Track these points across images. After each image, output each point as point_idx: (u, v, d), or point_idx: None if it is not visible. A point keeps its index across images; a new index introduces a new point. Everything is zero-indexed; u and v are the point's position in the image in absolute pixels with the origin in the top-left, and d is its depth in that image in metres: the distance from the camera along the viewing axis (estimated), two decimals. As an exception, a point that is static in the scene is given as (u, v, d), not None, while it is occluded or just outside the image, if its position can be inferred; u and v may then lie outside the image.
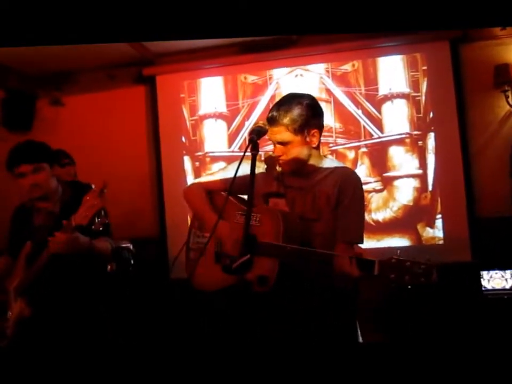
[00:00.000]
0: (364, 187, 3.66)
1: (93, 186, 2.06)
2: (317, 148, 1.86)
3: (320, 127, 1.85)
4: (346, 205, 1.80)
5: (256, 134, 1.69)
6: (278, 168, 1.94)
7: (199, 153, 4.04)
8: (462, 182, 3.60)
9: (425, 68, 3.74)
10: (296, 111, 1.78)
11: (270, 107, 1.89)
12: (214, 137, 3.98)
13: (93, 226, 1.94)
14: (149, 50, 3.95)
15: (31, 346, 2.10)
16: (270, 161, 1.97)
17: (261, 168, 1.96)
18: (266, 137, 1.81)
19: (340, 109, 3.83)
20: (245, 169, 1.70)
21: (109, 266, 2.49)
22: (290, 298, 1.77)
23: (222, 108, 3.99)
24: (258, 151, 1.68)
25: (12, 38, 1.97)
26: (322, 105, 3.72)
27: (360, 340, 1.97)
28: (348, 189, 1.82)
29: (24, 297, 2.14)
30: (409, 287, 1.49)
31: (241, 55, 3.94)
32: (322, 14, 2.20)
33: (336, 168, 1.88)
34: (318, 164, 1.88)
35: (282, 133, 1.78)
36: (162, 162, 4.05)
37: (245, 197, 1.91)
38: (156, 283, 3.82)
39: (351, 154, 3.82)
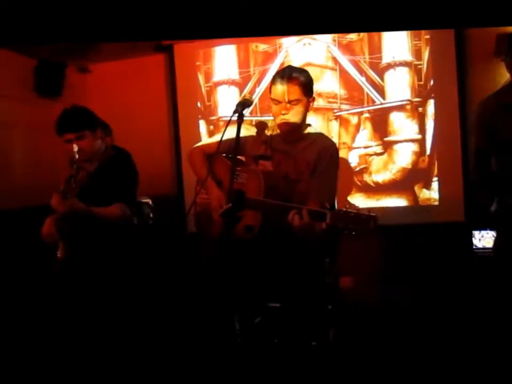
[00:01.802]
0: (365, 150, 3.99)
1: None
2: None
3: (314, 97, 2.19)
4: (321, 170, 2.13)
5: (241, 106, 1.99)
6: (267, 132, 2.25)
7: (213, 118, 4.33)
8: (459, 147, 3.79)
9: (427, 37, 3.88)
10: (307, 77, 2.15)
11: (278, 72, 2.20)
12: (227, 103, 4.25)
13: (67, 195, 2.27)
14: (167, 21, 4.22)
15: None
16: (260, 126, 2.28)
17: (253, 132, 2.28)
18: (278, 97, 2.11)
19: (345, 76, 4.04)
20: (240, 133, 2.02)
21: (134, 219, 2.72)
22: (270, 243, 2.10)
23: (235, 75, 4.25)
24: (242, 120, 1.98)
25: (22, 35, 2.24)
26: (329, 72, 4.00)
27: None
28: (325, 157, 2.14)
29: (64, 242, 2.39)
30: (353, 233, 1.79)
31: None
32: (321, 14, 2.39)
33: (317, 137, 2.19)
34: (303, 131, 2.19)
35: (296, 92, 2.08)
36: (180, 125, 4.36)
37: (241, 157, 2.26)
38: (175, 236, 4.20)
39: (354, 120, 4.05)
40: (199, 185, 2.38)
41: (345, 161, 4.02)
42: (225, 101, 4.27)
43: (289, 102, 2.08)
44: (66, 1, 2.14)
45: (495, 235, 3.72)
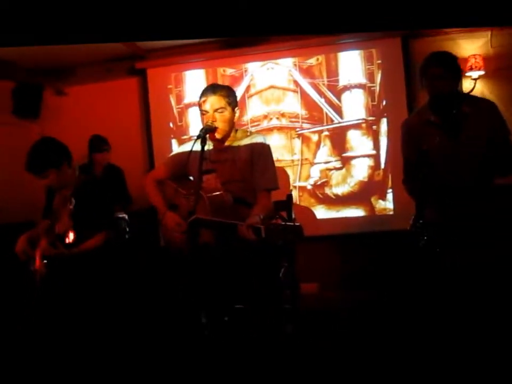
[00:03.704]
0: (326, 165, 4.32)
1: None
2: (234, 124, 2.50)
3: (238, 108, 2.50)
4: (258, 163, 2.41)
5: (205, 131, 2.28)
6: (207, 146, 2.49)
7: (185, 137, 4.60)
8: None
9: (379, 61, 4.25)
10: (229, 90, 2.47)
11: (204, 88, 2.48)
12: (197, 123, 4.53)
13: (66, 239, 2.52)
14: (140, 47, 4.49)
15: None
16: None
17: (209, 146, 2.52)
18: (206, 108, 2.38)
19: (305, 98, 4.38)
20: (185, 148, 2.30)
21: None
22: (226, 253, 2.32)
23: (204, 97, 4.54)
24: (205, 143, 2.26)
25: (12, 38, 2.33)
26: (290, 94, 4.33)
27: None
28: (257, 150, 2.43)
29: (43, 261, 2.54)
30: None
31: (220, 51, 4.47)
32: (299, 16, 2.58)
33: (246, 137, 2.49)
34: (235, 137, 2.49)
35: (221, 101, 2.38)
36: (153, 144, 4.62)
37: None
38: (149, 249, 4.42)
39: (314, 137, 4.39)
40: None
41: (283, 171, 4.36)
42: (196, 122, 4.54)
43: (215, 110, 2.38)
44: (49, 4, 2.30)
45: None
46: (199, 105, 2.47)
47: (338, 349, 2.94)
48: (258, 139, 2.51)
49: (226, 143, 2.49)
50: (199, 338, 2.26)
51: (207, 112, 2.40)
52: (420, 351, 2.56)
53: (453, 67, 2.50)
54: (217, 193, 2.38)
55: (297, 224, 2.03)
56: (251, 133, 2.58)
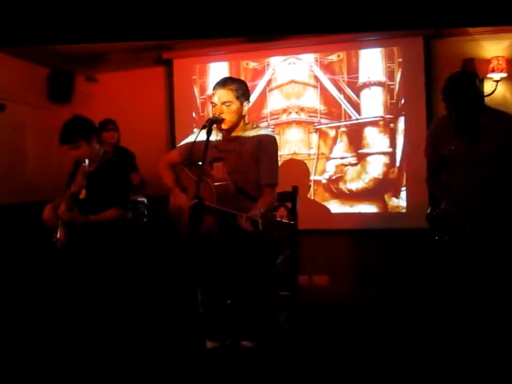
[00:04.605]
0: (341, 161, 4.40)
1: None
2: (245, 116, 2.60)
3: (248, 101, 2.59)
4: (265, 157, 2.52)
5: (210, 122, 2.41)
6: (217, 136, 2.62)
7: (206, 127, 4.76)
8: (425, 161, 4.17)
9: (400, 60, 4.28)
10: (240, 84, 2.56)
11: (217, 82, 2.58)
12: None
13: (80, 195, 2.70)
14: (168, 38, 4.65)
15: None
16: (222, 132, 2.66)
17: (218, 136, 2.64)
18: (215, 100, 2.51)
19: (325, 93, 4.45)
20: (198, 138, 2.42)
21: (128, 215, 3.01)
22: (227, 241, 2.45)
23: (227, 89, 4.67)
24: (211, 133, 2.39)
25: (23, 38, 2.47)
26: (310, 89, 4.42)
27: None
28: (264, 145, 2.53)
29: (64, 227, 2.78)
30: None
31: (244, 44, 4.58)
32: (314, 15, 2.65)
33: (255, 131, 2.58)
34: (244, 130, 2.59)
35: (229, 95, 2.49)
36: (176, 132, 4.77)
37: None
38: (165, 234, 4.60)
39: (332, 133, 4.46)
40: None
41: (305, 164, 4.44)
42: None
43: (223, 103, 2.49)
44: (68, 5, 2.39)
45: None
46: (210, 97, 2.59)
47: (339, 341, 3.04)
48: (265, 131, 2.62)
49: (234, 134, 2.59)
50: (194, 315, 2.40)
51: (215, 104, 2.53)
52: (424, 348, 2.66)
53: (469, 90, 2.63)
54: (223, 182, 2.51)
55: (291, 222, 2.18)
56: (257, 126, 2.69)
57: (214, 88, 2.56)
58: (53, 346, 2.58)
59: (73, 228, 2.77)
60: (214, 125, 2.50)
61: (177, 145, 2.80)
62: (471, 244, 2.61)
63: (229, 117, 2.52)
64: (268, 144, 2.57)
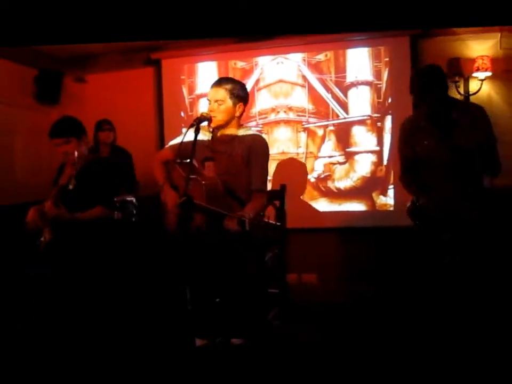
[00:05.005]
0: (329, 159, 4.43)
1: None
2: (239, 118, 2.62)
3: (245, 103, 2.61)
4: (254, 162, 2.55)
5: (198, 121, 2.43)
6: (209, 136, 2.65)
7: (195, 127, 4.77)
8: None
9: (387, 59, 4.32)
10: (236, 85, 2.58)
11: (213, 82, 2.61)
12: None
13: (70, 186, 2.75)
14: (156, 38, 4.66)
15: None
16: (214, 131, 2.68)
17: (208, 136, 2.68)
18: (209, 98, 2.55)
19: (312, 93, 4.49)
20: (189, 137, 2.42)
21: (115, 214, 2.91)
22: (215, 240, 2.45)
23: (215, 89, 4.70)
24: (198, 132, 2.41)
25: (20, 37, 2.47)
26: (298, 89, 4.45)
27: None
28: (255, 149, 2.56)
29: (50, 228, 2.80)
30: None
31: (232, 44, 4.60)
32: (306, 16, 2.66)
33: (247, 135, 2.61)
34: (236, 132, 2.61)
35: (222, 94, 2.53)
36: (165, 132, 4.80)
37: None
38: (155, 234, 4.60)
39: (320, 132, 4.50)
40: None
41: (303, 166, 4.47)
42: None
43: (216, 101, 2.53)
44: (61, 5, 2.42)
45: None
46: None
47: (329, 338, 3.04)
48: (256, 134, 2.66)
49: (227, 134, 2.62)
50: (183, 312, 2.42)
51: (209, 101, 2.57)
52: (414, 345, 2.66)
53: (438, 80, 2.65)
54: (213, 182, 2.53)
55: (278, 224, 2.23)
56: (250, 128, 2.75)
57: (211, 86, 2.60)
58: (53, 346, 2.59)
59: (59, 227, 2.78)
60: (205, 124, 2.53)
61: (169, 143, 2.81)
62: (456, 241, 2.64)
63: (219, 116, 2.55)
64: (260, 149, 2.60)
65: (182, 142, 2.42)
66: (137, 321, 2.90)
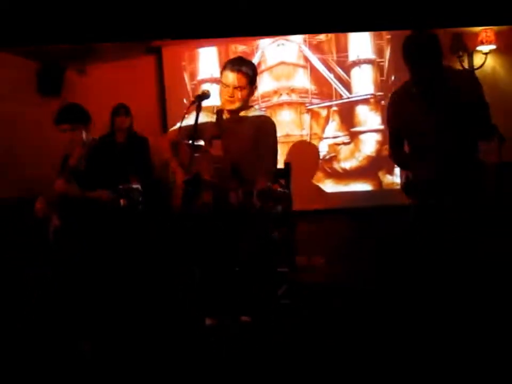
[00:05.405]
0: (334, 140, 4.40)
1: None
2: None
3: (256, 85, 2.61)
4: (262, 144, 2.54)
5: (200, 98, 2.42)
6: (212, 117, 2.63)
7: (198, 112, 4.76)
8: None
9: (389, 36, 4.29)
10: (253, 69, 2.56)
11: (230, 61, 2.59)
12: (210, 99, 4.66)
13: (80, 166, 2.75)
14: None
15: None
16: (219, 113, 2.68)
17: (213, 118, 2.68)
18: (227, 82, 2.50)
19: (315, 73, 4.46)
20: (201, 119, 2.43)
21: (121, 202, 2.91)
22: (221, 215, 2.46)
23: (217, 74, 4.65)
24: (200, 109, 2.40)
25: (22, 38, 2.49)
26: (300, 70, 4.41)
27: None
28: (263, 130, 2.56)
29: (58, 213, 2.82)
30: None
31: (232, 28, 4.60)
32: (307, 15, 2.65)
33: (256, 116, 2.61)
34: (247, 113, 2.61)
35: (243, 80, 2.49)
36: (168, 119, 4.78)
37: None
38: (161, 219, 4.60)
39: (323, 112, 4.47)
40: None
41: (315, 149, 4.44)
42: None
43: (236, 87, 2.50)
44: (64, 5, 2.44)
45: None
46: (221, 74, 2.58)
47: (336, 320, 2.99)
48: (262, 114, 2.67)
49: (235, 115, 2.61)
50: (191, 292, 2.42)
51: (227, 86, 2.52)
52: (423, 335, 2.55)
53: (430, 48, 2.56)
54: (220, 160, 2.52)
55: (286, 191, 2.21)
56: (257, 109, 2.74)
57: (228, 69, 2.52)
58: (53, 346, 2.58)
59: (67, 212, 2.78)
60: (209, 105, 2.53)
61: (177, 125, 2.79)
62: (456, 208, 2.55)
63: (239, 102, 2.53)
64: (268, 130, 2.59)
65: (181, 124, 2.42)
66: (146, 305, 2.90)
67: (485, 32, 4.10)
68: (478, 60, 4.20)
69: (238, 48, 4.61)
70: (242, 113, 2.61)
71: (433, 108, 2.55)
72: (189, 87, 4.78)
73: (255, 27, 2.53)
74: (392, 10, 2.32)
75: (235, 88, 2.50)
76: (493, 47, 4.10)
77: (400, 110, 2.68)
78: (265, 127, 2.57)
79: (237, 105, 2.55)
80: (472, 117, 2.47)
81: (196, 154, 2.49)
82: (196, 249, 2.51)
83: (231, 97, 2.51)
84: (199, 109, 2.39)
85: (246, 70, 2.51)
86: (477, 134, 2.55)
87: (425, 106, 2.56)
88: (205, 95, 2.47)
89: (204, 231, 2.50)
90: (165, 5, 2.38)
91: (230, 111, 2.60)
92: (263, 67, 4.57)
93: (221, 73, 2.59)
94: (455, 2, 2.36)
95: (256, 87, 2.62)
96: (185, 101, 4.79)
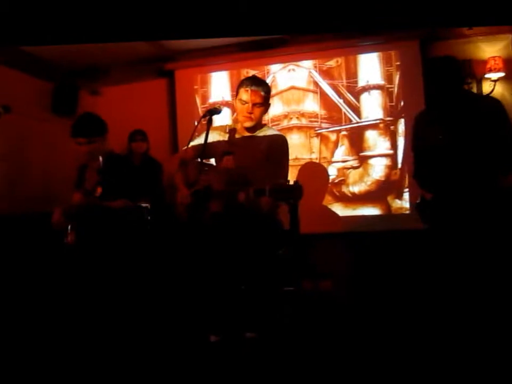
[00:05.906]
0: (343, 164, 4.41)
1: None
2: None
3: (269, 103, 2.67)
4: (272, 159, 2.57)
5: (211, 113, 2.46)
6: (225, 136, 2.68)
7: (209, 135, 4.82)
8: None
9: (398, 63, 4.34)
10: (269, 88, 2.64)
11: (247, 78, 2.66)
12: (221, 122, 4.73)
13: (95, 193, 2.77)
14: (169, 49, 4.75)
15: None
16: (232, 132, 2.73)
17: (225, 137, 2.72)
18: (246, 99, 2.55)
19: (325, 98, 4.51)
20: (212, 138, 2.48)
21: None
22: (231, 225, 2.49)
23: (228, 97, 4.76)
24: (211, 124, 2.44)
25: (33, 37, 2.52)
26: (310, 95, 4.47)
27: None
28: (275, 145, 2.60)
29: (74, 229, 2.81)
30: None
31: (244, 53, 4.66)
32: (313, 16, 2.69)
33: (267, 132, 2.66)
34: (261, 132, 2.66)
35: (260, 98, 2.56)
36: (179, 142, 4.84)
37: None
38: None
39: (333, 137, 4.50)
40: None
41: (325, 172, 4.45)
42: (219, 121, 4.73)
43: (254, 104, 2.55)
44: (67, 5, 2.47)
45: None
46: (237, 92, 2.62)
47: (341, 339, 2.96)
48: (276, 132, 2.70)
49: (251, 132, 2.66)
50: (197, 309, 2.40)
51: (246, 103, 2.57)
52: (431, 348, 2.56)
53: (451, 70, 2.62)
54: (232, 173, 2.55)
55: (296, 184, 2.22)
56: (269, 127, 2.79)
57: (247, 86, 2.58)
58: (57, 346, 2.61)
59: (83, 226, 2.79)
60: (231, 126, 2.63)
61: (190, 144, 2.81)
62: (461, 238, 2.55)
63: (255, 118, 2.59)
64: (279, 146, 2.63)
65: (191, 138, 2.46)
66: (151, 320, 2.88)
67: (493, 59, 4.14)
68: (486, 87, 4.23)
69: (250, 72, 4.68)
70: (256, 132, 2.65)
71: (454, 130, 2.60)
72: (200, 110, 4.85)
73: (255, 27, 2.52)
74: (392, 10, 2.33)
75: (254, 104, 2.55)
76: (502, 74, 4.13)
77: (422, 132, 2.75)
78: (278, 143, 2.62)
79: (254, 122, 2.60)
80: (494, 149, 2.50)
81: (206, 168, 2.53)
82: (200, 265, 2.51)
83: (249, 113, 2.55)
84: (209, 123, 2.42)
85: (263, 88, 2.58)
86: (497, 167, 2.56)
87: (446, 132, 2.61)
88: (216, 110, 2.51)
89: (210, 247, 2.50)
90: (165, 5, 2.39)
91: (247, 129, 2.64)
92: (273, 91, 4.60)
93: (237, 91, 2.63)
94: (455, 3, 2.37)
95: (269, 105, 2.67)
96: (196, 123, 4.84)
